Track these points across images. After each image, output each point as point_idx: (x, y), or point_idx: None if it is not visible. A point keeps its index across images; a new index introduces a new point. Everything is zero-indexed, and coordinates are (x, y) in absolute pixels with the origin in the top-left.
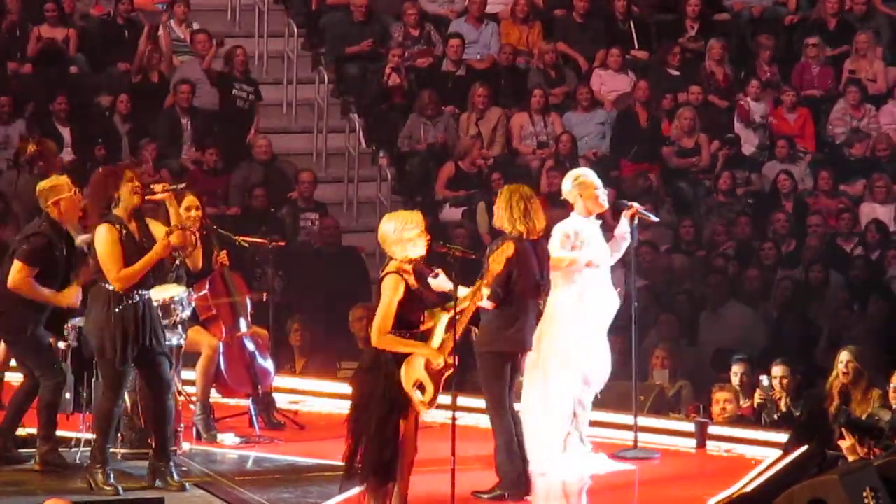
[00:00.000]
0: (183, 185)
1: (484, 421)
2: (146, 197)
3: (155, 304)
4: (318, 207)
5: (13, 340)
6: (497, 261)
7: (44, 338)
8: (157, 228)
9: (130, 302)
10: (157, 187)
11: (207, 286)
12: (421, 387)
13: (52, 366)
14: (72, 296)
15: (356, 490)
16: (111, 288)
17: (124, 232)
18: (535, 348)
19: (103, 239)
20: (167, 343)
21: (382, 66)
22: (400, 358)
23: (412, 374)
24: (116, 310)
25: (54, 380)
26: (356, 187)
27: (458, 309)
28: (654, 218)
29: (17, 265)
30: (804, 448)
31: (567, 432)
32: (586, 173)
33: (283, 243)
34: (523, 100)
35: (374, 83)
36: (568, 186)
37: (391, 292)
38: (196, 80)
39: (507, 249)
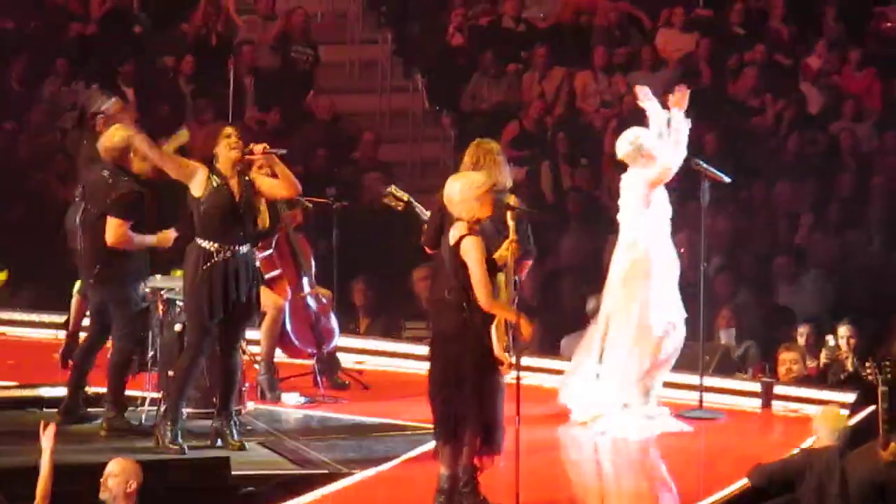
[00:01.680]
0: (284, 151)
1: (549, 381)
2: (245, 156)
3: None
4: (380, 168)
5: (111, 295)
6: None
7: (137, 303)
8: (263, 182)
9: (219, 259)
10: (257, 147)
11: (273, 246)
12: (507, 349)
13: (134, 330)
14: (169, 236)
15: (426, 447)
16: (202, 244)
17: (216, 185)
18: (619, 292)
19: None
20: None
21: (445, 25)
22: (488, 322)
23: (502, 336)
24: (204, 267)
25: (130, 344)
26: (419, 147)
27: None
28: (725, 178)
29: (113, 223)
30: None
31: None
32: (644, 136)
33: (345, 204)
34: (587, 59)
35: (437, 43)
36: (626, 148)
37: (477, 254)
38: (257, 40)
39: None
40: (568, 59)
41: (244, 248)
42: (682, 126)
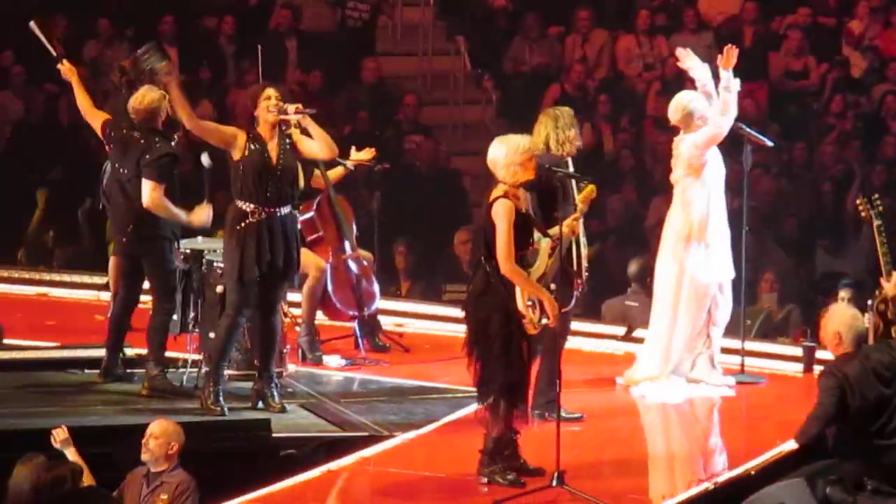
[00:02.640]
0: (314, 110)
1: (588, 345)
2: (280, 117)
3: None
4: (422, 130)
5: (146, 255)
6: (583, 201)
7: (172, 261)
8: (304, 145)
9: (254, 219)
10: (290, 108)
11: (314, 208)
12: (533, 306)
13: (171, 290)
14: (201, 215)
15: (466, 410)
16: (239, 205)
17: (253, 147)
18: (672, 254)
19: None
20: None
21: None
22: (506, 279)
23: (524, 293)
24: (238, 227)
25: (169, 304)
26: (461, 110)
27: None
28: (768, 142)
29: (149, 185)
30: None
31: (697, 352)
32: (695, 100)
33: (387, 166)
34: (629, 22)
35: (479, 5)
36: (678, 113)
37: (506, 218)
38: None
39: (592, 192)
40: (609, 22)
41: (283, 210)
42: (732, 87)
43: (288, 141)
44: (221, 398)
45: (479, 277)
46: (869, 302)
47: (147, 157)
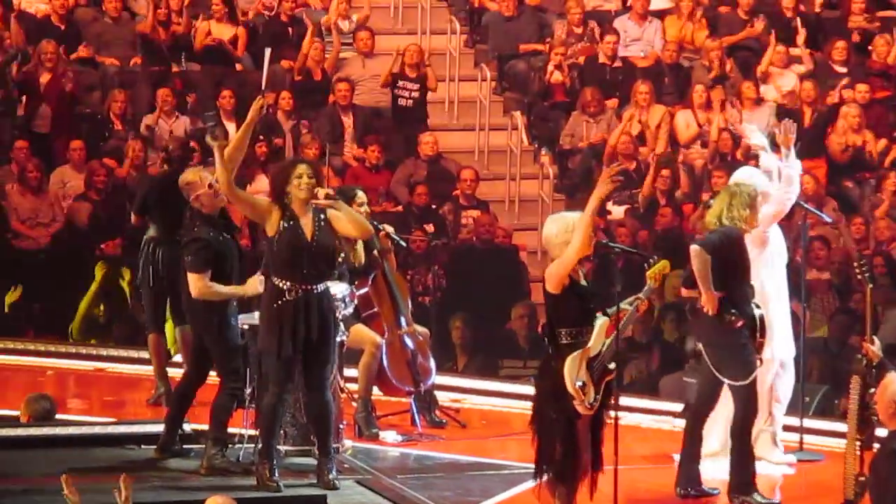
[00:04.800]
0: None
1: (646, 421)
2: (312, 201)
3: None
4: (479, 205)
5: (204, 333)
6: (654, 277)
7: (233, 338)
8: (338, 223)
9: (290, 297)
10: (321, 192)
11: (370, 283)
12: (583, 387)
13: (234, 369)
14: (255, 285)
15: (523, 487)
16: (276, 282)
17: (287, 223)
18: None
19: None
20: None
21: (545, 62)
22: (564, 356)
23: (573, 371)
24: (275, 305)
25: (232, 384)
26: (518, 185)
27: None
28: (827, 219)
29: (191, 277)
30: None
31: (759, 430)
32: (756, 175)
33: (444, 241)
34: (686, 96)
35: (537, 80)
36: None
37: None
38: (357, 76)
39: (665, 268)
40: (667, 97)
41: (319, 287)
42: (794, 163)
43: (323, 217)
44: (277, 474)
45: (544, 355)
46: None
47: (185, 239)
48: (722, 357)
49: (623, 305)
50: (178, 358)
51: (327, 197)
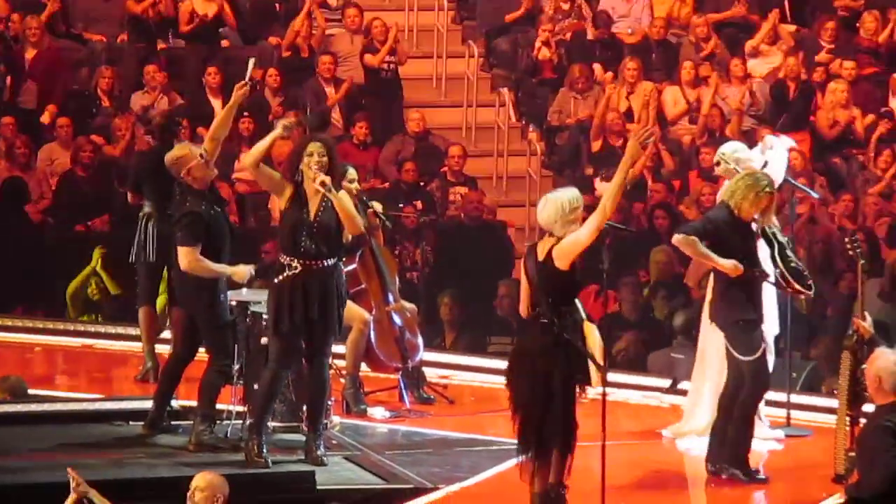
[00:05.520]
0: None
1: (635, 397)
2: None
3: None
4: (467, 182)
5: (194, 310)
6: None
7: (223, 315)
8: (339, 207)
9: (290, 273)
10: (318, 179)
11: (357, 260)
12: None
13: (223, 346)
14: (244, 273)
15: (511, 463)
16: (280, 257)
17: (293, 202)
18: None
19: None
20: None
21: (532, 40)
22: (576, 336)
23: (594, 344)
24: (277, 279)
25: (221, 361)
26: (506, 161)
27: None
28: (814, 195)
29: (181, 251)
30: None
31: None
32: (741, 150)
33: (432, 218)
34: (674, 73)
35: (525, 57)
36: (721, 166)
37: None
38: (346, 53)
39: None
40: (655, 74)
41: (323, 264)
42: (776, 144)
43: (328, 199)
44: (265, 450)
45: (538, 334)
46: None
47: (175, 215)
48: (734, 333)
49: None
50: (167, 334)
51: (322, 185)
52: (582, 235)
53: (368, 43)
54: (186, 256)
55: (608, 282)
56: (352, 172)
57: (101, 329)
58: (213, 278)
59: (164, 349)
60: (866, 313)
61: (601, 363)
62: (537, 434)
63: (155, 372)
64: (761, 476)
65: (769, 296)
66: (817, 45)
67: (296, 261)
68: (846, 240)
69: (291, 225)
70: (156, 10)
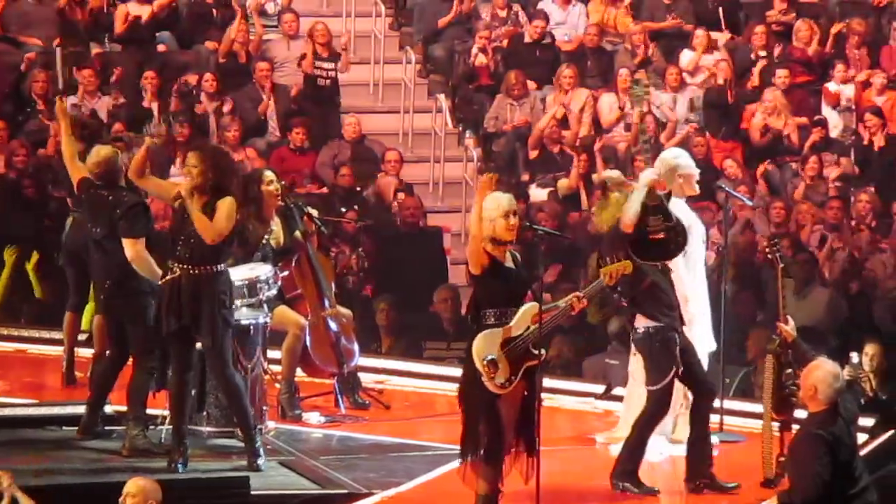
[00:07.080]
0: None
1: (569, 403)
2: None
3: (239, 282)
4: (403, 187)
5: (121, 312)
6: (610, 274)
7: (151, 318)
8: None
9: (170, 276)
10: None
11: (293, 265)
12: (493, 364)
13: (150, 349)
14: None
15: (446, 468)
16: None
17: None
18: None
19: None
20: (253, 321)
21: (469, 46)
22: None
23: (483, 349)
24: (160, 283)
25: (149, 364)
26: (442, 167)
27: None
28: (748, 202)
29: (126, 242)
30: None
31: (678, 413)
32: (683, 156)
33: (368, 223)
34: (610, 80)
35: (461, 63)
36: (661, 169)
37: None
38: (282, 59)
39: (626, 267)
40: (591, 80)
41: (198, 270)
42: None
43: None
44: (186, 454)
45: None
46: (851, 354)
47: (118, 211)
48: (646, 363)
49: (560, 303)
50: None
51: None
52: (471, 237)
53: (314, 49)
54: (133, 247)
55: (544, 288)
56: (268, 175)
57: (35, 334)
58: (145, 280)
59: (85, 353)
60: (789, 317)
61: (480, 367)
62: (463, 438)
63: (70, 375)
64: (655, 489)
65: (702, 312)
66: (750, 53)
67: (175, 265)
68: (765, 244)
69: (173, 231)
70: (85, 11)
